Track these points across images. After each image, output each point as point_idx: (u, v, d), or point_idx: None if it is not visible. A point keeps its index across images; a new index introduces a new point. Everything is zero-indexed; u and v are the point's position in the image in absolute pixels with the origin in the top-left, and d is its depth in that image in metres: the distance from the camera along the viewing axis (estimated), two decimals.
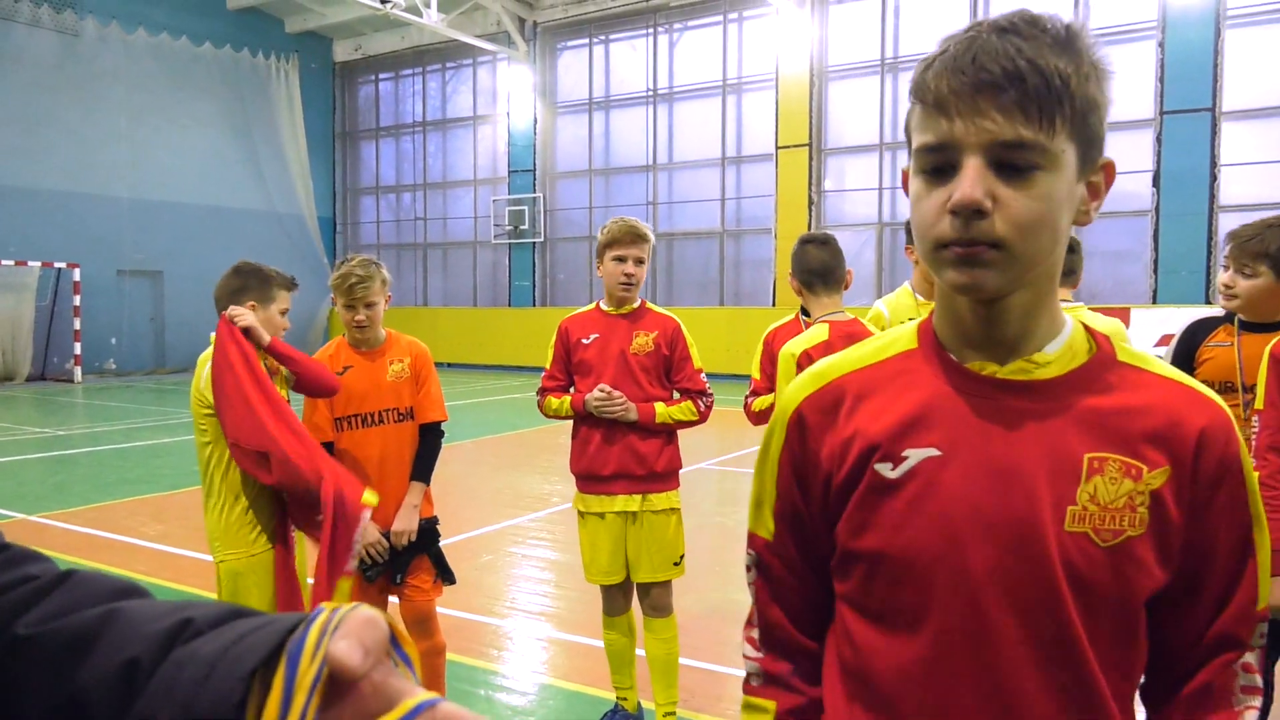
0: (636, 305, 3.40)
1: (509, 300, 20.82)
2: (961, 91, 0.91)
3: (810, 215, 16.91)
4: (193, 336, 18.91)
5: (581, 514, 3.43)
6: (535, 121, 20.08)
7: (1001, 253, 0.92)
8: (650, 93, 19.01)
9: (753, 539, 1.15)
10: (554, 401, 3.41)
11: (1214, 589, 0.98)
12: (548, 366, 3.46)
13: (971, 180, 0.90)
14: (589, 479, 3.36)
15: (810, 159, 16.90)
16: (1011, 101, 0.89)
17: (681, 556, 3.39)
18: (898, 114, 16.46)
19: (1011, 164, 0.91)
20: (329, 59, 23.21)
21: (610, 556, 3.34)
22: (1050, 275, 0.98)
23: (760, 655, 1.16)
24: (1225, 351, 2.83)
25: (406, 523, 3.18)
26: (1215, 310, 3.03)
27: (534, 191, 20.09)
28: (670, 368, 3.37)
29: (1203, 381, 2.82)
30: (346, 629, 0.51)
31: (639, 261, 3.29)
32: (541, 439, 10.85)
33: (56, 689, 0.56)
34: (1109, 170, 0.99)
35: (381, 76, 23.09)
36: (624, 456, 3.28)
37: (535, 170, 20.17)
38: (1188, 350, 2.94)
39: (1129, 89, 14.38)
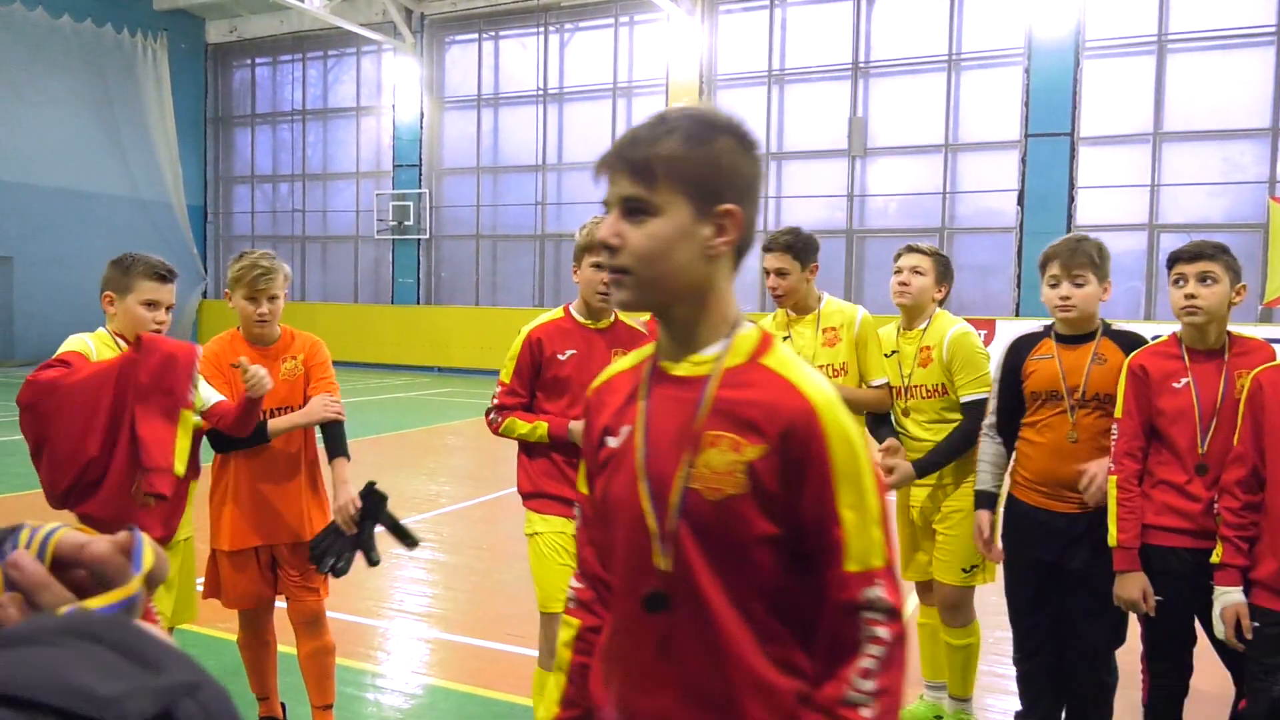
0: (613, 318, 3.14)
1: (391, 297, 20.34)
2: (602, 163, 1.31)
3: None
4: (45, 327, 17.71)
5: (534, 535, 3.19)
6: (422, 116, 19.70)
7: (629, 276, 1.27)
8: (540, 92, 18.93)
9: (580, 497, 1.49)
10: (520, 425, 3.04)
11: (824, 553, 1.25)
12: (506, 380, 3.10)
13: (607, 224, 1.29)
14: (547, 498, 3.11)
15: None
16: (620, 171, 1.27)
17: None
18: (784, 124, 16.89)
19: (630, 211, 1.26)
20: (201, 39, 22.16)
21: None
22: (701, 294, 1.30)
23: (578, 585, 1.49)
24: (1048, 364, 3.05)
25: (344, 497, 3.07)
26: (1036, 326, 3.27)
27: (420, 187, 19.69)
28: None
29: (1030, 391, 3.05)
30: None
31: None
32: (426, 439, 10.65)
33: None
34: (731, 214, 1.28)
35: (258, 61, 22.20)
36: None
37: (421, 165, 19.79)
38: (1014, 364, 3.13)
39: (998, 112, 15.19)
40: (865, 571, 1.23)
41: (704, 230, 1.27)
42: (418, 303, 19.94)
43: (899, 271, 3.53)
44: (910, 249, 3.57)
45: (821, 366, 3.44)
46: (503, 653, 4.31)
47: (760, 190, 1.34)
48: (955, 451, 3.38)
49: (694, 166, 1.25)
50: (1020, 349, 3.14)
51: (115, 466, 2.53)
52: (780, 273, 3.47)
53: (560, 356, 3.05)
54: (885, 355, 3.55)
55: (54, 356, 2.68)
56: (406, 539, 3.11)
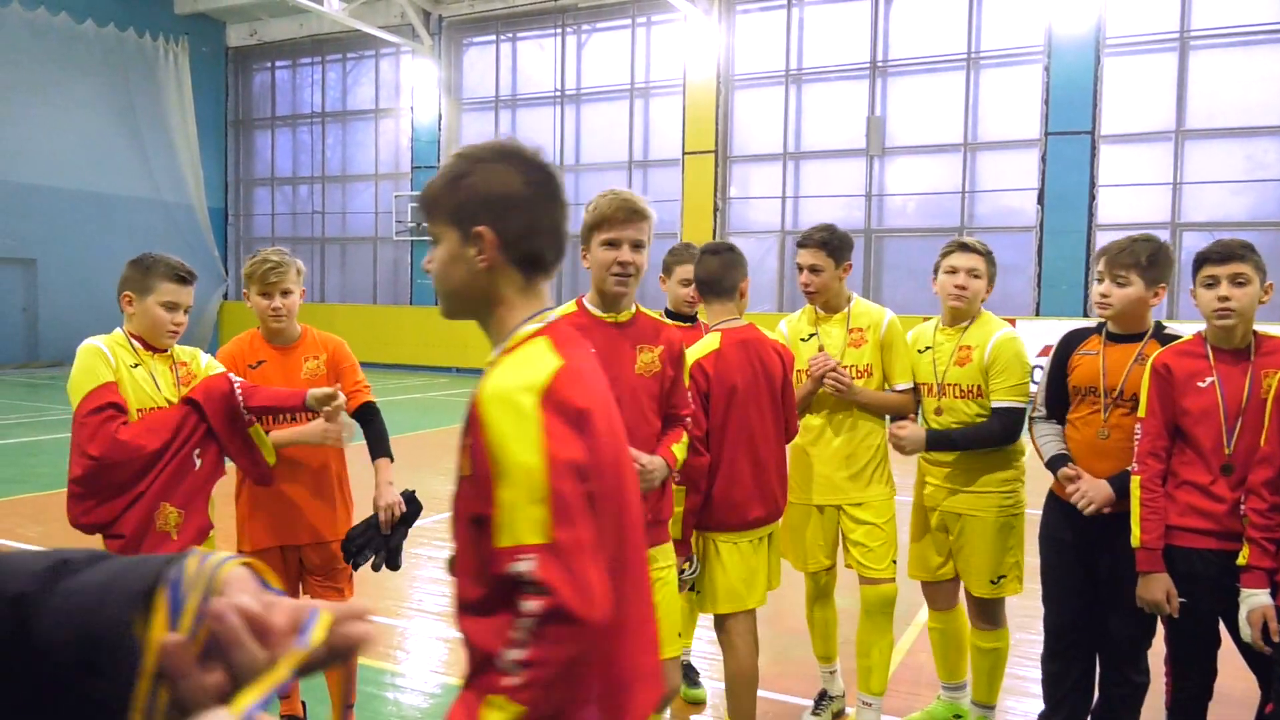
0: (633, 310, 2.77)
1: (410, 298, 20.43)
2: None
3: (715, 222, 17.14)
4: (69, 328, 17.84)
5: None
6: (440, 117, 19.78)
7: (439, 294, 1.60)
8: (558, 93, 18.96)
9: None
10: None
11: (489, 530, 1.37)
12: None
13: (428, 255, 1.59)
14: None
15: (716, 166, 17.14)
16: (420, 211, 1.70)
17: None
18: (802, 124, 16.84)
19: (431, 242, 1.57)
20: (221, 43, 22.34)
21: None
22: (488, 303, 1.55)
23: None
24: (1091, 360, 3.04)
25: (389, 498, 3.08)
26: (1090, 322, 3.25)
27: None
28: (671, 390, 2.78)
29: (1072, 386, 3.05)
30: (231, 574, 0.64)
31: (638, 246, 2.63)
32: (443, 440, 10.69)
33: None
34: (482, 235, 1.49)
35: (278, 64, 22.36)
36: None
37: (439, 167, 19.82)
38: (1062, 357, 3.14)
39: (1018, 111, 15.08)
40: (514, 547, 1.32)
41: (469, 251, 1.50)
42: (436, 304, 19.99)
43: (954, 272, 3.39)
44: (963, 247, 3.42)
45: (848, 367, 3.43)
46: None
47: (533, 205, 1.52)
48: (974, 441, 3.34)
49: (451, 199, 1.52)
50: (1070, 343, 3.15)
51: (147, 503, 2.70)
52: (813, 269, 3.45)
53: None
54: (919, 351, 3.51)
55: (93, 392, 2.67)
56: (397, 559, 3.18)
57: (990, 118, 15.46)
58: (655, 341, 2.73)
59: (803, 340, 3.54)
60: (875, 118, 16.02)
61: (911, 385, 3.47)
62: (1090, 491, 2.90)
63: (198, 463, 2.79)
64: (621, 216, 2.59)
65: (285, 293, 3.13)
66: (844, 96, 16.42)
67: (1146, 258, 2.95)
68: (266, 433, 2.97)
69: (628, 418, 2.59)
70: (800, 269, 3.50)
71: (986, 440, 3.32)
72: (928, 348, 3.50)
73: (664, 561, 2.80)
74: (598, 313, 2.71)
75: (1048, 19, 14.55)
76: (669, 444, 2.76)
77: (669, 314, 3.80)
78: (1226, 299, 2.71)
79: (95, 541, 2.72)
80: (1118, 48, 14.43)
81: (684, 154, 17.37)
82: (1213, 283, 2.74)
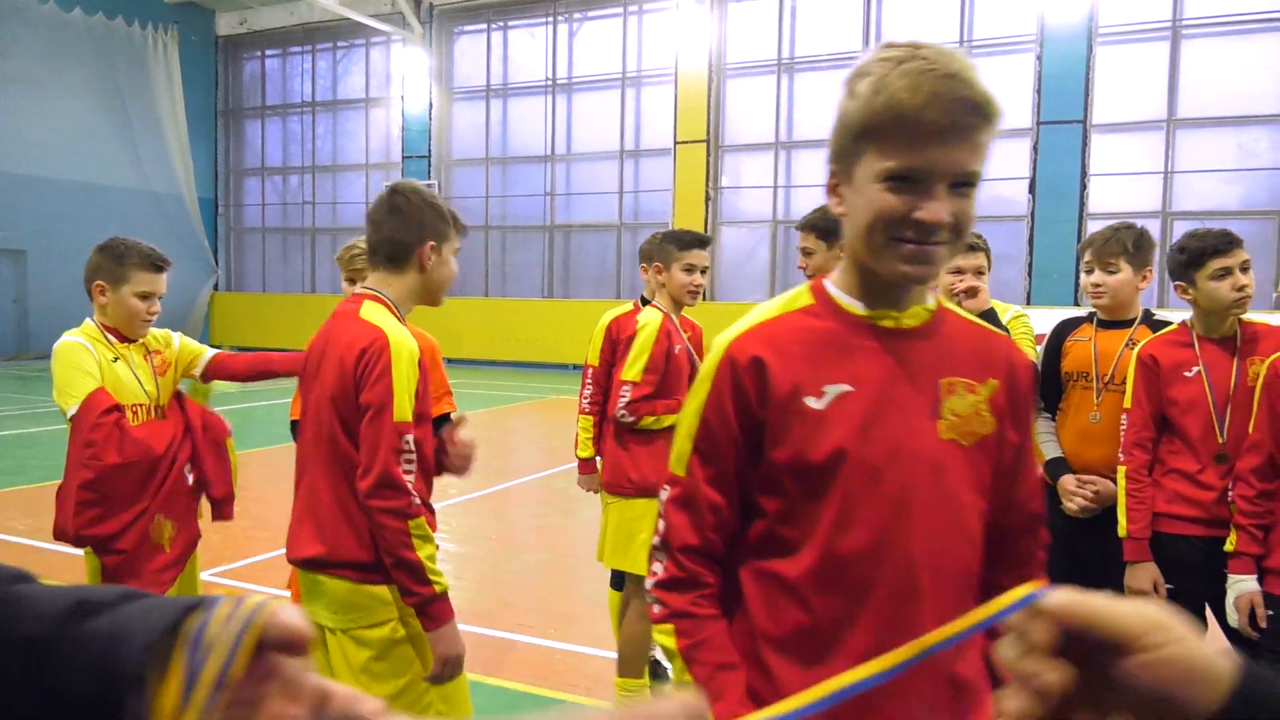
0: (930, 303, 2.94)
1: None
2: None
3: (707, 211, 17.12)
4: (60, 320, 17.72)
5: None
6: (431, 107, 19.69)
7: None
8: (549, 82, 18.89)
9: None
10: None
11: None
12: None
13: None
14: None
15: (708, 155, 17.11)
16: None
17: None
18: (793, 113, 16.81)
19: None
20: (211, 32, 22.20)
21: None
22: None
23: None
24: (1083, 345, 3.10)
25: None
26: (1082, 311, 3.31)
27: (429, 178, 19.70)
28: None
29: (1064, 371, 3.09)
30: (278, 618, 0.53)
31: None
32: None
33: None
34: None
35: (268, 53, 22.23)
36: None
37: (430, 156, 19.79)
38: (1056, 344, 3.20)
39: (1010, 100, 15.03)
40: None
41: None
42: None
43: (960, 272, 3.28)
44: (968, 246, 3.40)
45: None
46: (512, 642, 4.32)
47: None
48: None
49: None
50: (1062, 331, 3.21)
51: (148, 517, 2.72)
52: (805, 251, 3.47)
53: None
54: None
55: (97, 394, 2.64)
56: None
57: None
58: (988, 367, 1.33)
59: None
60: None
61: None
62: (1098, 497, 2.93)
63: (189, 477, 2.82)
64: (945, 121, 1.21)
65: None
66: (836, 85, 16.14)
67: (1132, 243, 3.01)
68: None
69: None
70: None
71: None
72: None
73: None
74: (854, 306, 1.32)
75: (1040, 8, 14.53)
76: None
77: (644, 301, 3.79)
78: (1245, 287, 2.75)
79: (76, 556, 2.72)
80: (1110, 37, 14.43)
81: (675, 143, 17.33)
82: (1225, 273, 2.75)
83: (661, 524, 1.34)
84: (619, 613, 3.79)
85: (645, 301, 3.79)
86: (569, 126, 18.88)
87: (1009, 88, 15.07)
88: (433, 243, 2.26)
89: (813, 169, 16.67)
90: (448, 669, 2.15)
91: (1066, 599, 0.62)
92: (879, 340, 1.26)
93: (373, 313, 2.20)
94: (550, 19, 18.81)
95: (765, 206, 17.04)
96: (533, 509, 7.33)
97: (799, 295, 1.35)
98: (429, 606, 2.11)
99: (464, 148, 19.94)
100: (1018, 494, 1.35)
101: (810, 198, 16.40)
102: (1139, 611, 0.61)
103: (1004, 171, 15.16)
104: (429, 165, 19.76)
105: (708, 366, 1.33)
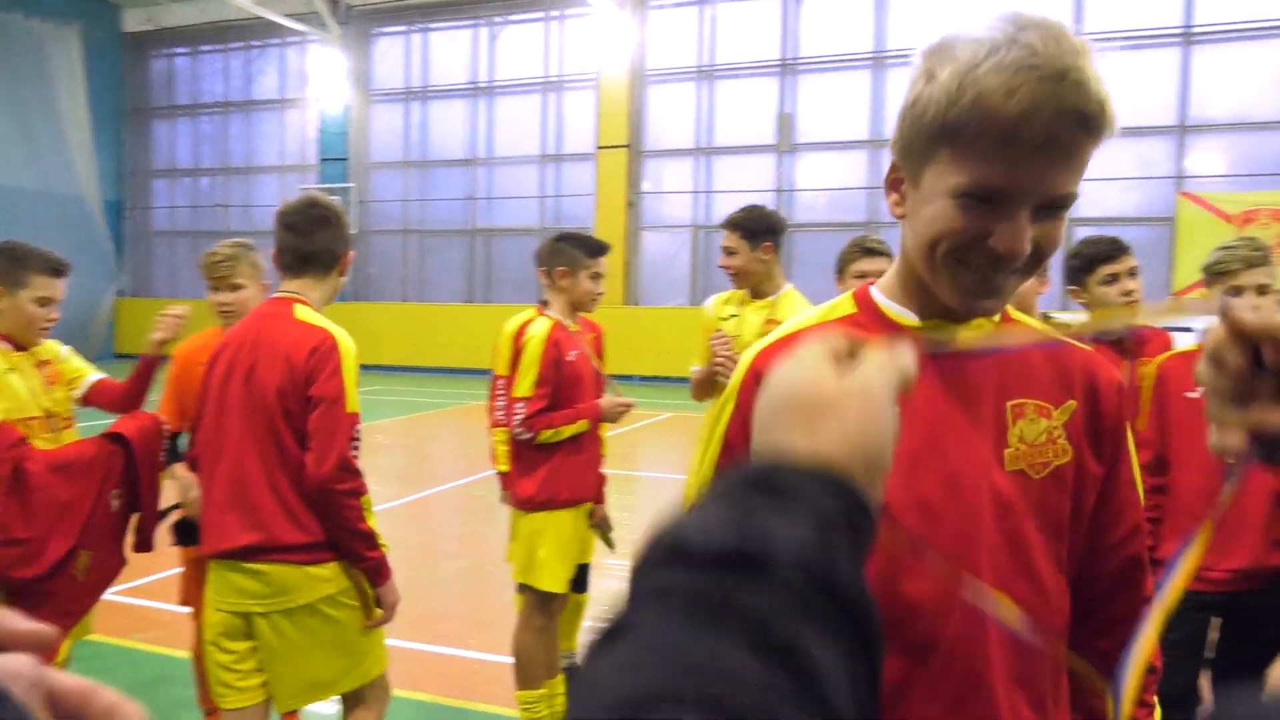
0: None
1: None
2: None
3: (628, 216, 17.20)
4: None
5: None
6: (348, 109, 19.34)
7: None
8: (471, 85, 18.73)
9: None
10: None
11: None
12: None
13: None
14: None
15: (629, 160, 17.19)
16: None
17: None
18: (714, 120, 17.00)
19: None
20: (116, 28, 21.40)
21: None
22: None
23: None
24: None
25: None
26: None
27: (346, 181, 19.34)
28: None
29: None
30: None
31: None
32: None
33: None
34: None
35: (178, 51, 21.53)
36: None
37: (348, 159, 19.43)
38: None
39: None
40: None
41: None
42: (344, 299, 19.57)
43: (864, 276, 3.38)
44: (869, 251, 3.40)
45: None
46: (434, 654, 4.27)
47: None
48: None
49: None
50: None
51: (70, 561, 2.56)
52: (727, 250, 3.48)
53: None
54: None
55: (4, 425, 2.51)
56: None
57: (897, 116, 15.83)
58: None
59: (722, 320, 3.55)
60: (785, 114, 16.29)
61: None
62: None
63: (114, 504, 2.66)
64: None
65: (234, 287, 3.08)
66: (755, 93, 16.65)
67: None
68: (176, 440, 2.95)
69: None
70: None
71: None
72: None
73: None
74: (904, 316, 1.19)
75: (951, 19, 14.97)
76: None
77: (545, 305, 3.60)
78: (1131, 291, 2.89)
79: None
80: None
81: (597, 148, 17.37)
82: (1113, 279, 2.90)
83: None
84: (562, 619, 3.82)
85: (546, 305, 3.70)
86: (490, 130, 18.76)
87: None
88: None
89: (733, 175, 16.88)
90: (390, 613, 2.57)
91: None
92: (933, 356, 1.04)
93: (310, 315, 2.44)
94: (472, 22, 18.66)
95: (686, 211, 17.19)
96: (453, 516, 7.25)
97: (840, 304, 1.18)
98: (381, 566, 2.46)
99: (382, 151, 19.62)
100: (1107, 537, 1.13)
101: (731, 203, 16.55)
102: None
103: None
104: (346, 168, 19.40)
105: (733, 383, 1.13)
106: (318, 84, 19.60)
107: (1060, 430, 1.08)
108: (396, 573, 2.60)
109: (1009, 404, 1.07)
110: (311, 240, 2.50)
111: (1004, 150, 0.92)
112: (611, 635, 0.45)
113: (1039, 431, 1.07)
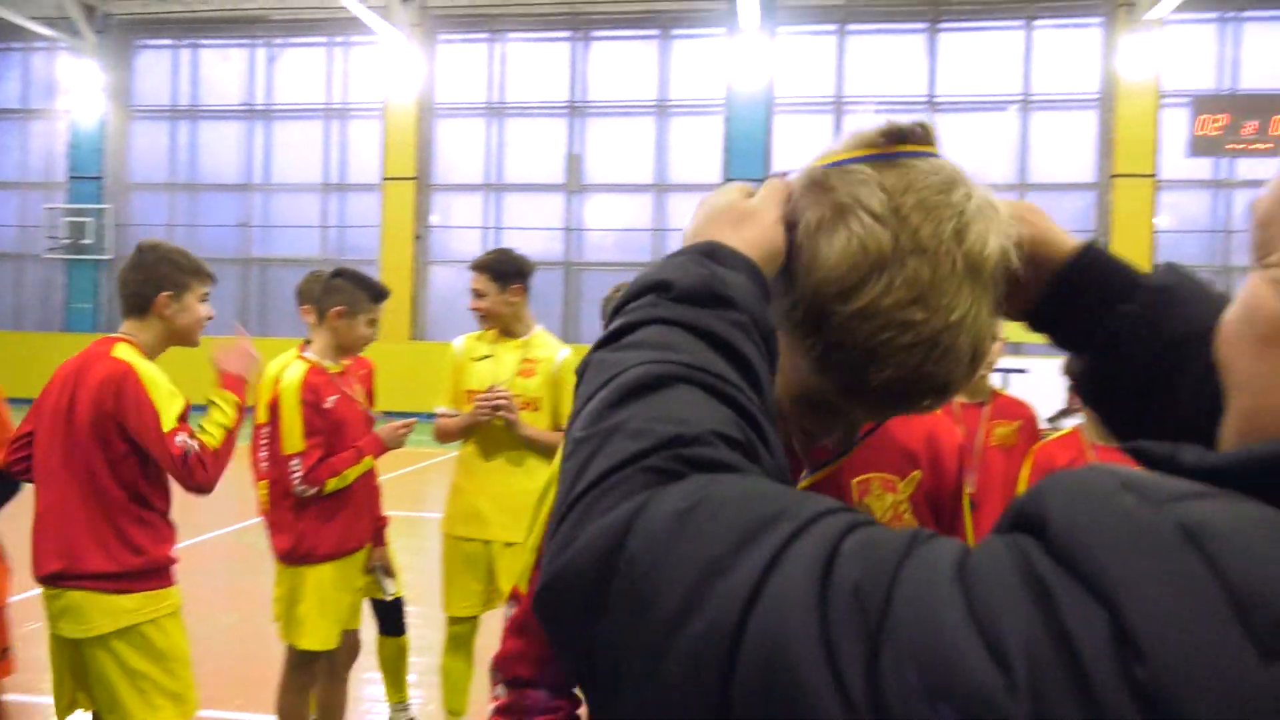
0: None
1: (65, 324, 18.09)
2: None
3: (416, 249, 16.87)
4: None
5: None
6: (104, 124, 17.82)
7: None
8: (247, 107, 17.79)
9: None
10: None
11: None
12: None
13: None
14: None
15: (417, 193, 16.89)
16: None
17: None
18: (504, 157, 17.06)
19: None
20: None
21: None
22: None
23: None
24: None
25: None
26: None
27: (100, 202, 17.76)
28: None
29: None
30: None
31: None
32: None
33: None
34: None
35: None
36: None
37: (103, 178, 17.86)
38: None
39: (703, 157, 16.28)
40: None
41: None
42: (95, 330, 17.90)
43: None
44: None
45: (515, 396, 3.42)
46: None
47: None
48: None
49: None
50: None
51: None
52: (476, 293, 3.49)
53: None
54: None
55: None
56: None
57: (679, 162, 16.57)
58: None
59: (475, 360, 3.52)
60: (574, 155, 16.62)
61: None
62: None
63: None
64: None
65: None
66: (545, 132, 16.89)
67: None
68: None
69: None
70: None
71: None
72: None
73: None
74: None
75: (728, 76, 15.87)
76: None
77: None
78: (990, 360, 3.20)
79: None
80: (786, 107, 16.04)
81: (384, 179, 16.96)
82: None
83: (501, 645, 1.14)
84: (383, 664, 3.72)
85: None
86: (268, 155, 17.88)
87: (702, 146, 16.29)
88: (169, 292, 2.70)
89: (523, 212, 16.99)
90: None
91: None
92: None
93: (123, 352, 2.63)
94: (247, 41, 17.77)
95: (476, 246, 17.04)
96: (220, 566, 6.79)
97: None
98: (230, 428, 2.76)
99: (145, 171, 18.22)
100: None
101: (520, 240, 16.69)
102: None
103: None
104: (100, 188, 17.83)
105: (557, 461, 1.09)
106: (69, 95, 17.94)
107: (906, 504, 1.04)
108: None
109: (854, 481, 1.03)
110: (125, 284, 2.71)
111: None
112: (616, 339, 0.65)
113: (885, 507, 1.03)
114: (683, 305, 0.65)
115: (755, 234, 0.77)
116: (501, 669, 1.11)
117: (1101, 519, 0.41)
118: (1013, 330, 1.27)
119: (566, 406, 3.46)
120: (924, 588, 0.42)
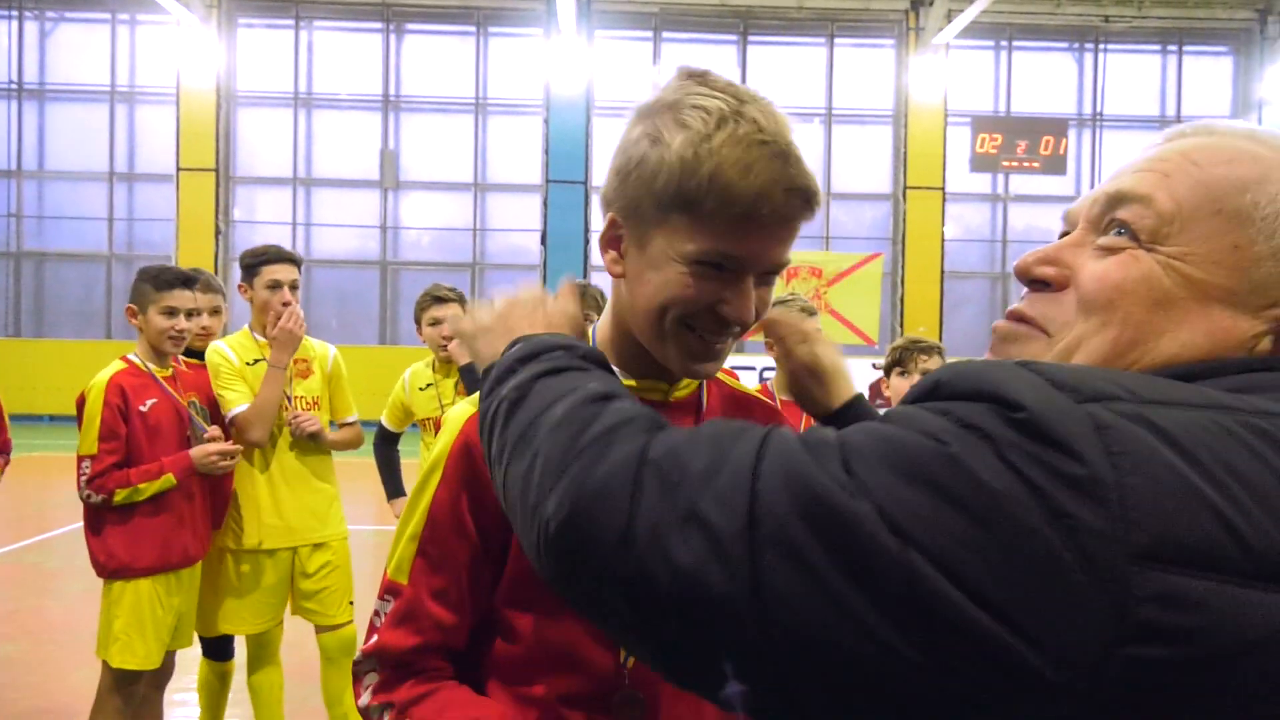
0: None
1: None
2: None
3: (217, 244, 15.85)
4: None
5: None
6: None
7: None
8: (13, 85, 16.12)
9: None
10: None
11: None
12: None
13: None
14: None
15: (217, 185, 15.88)
16: None
17: None
18: (313, 150, 16.33)
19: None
20: None
21: None
22: None
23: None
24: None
25: None
26: None
27: None
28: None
29: None
30: None
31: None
32: None
33: None
34: None
35: None
36: None
37: None
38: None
39: (523, 158, 16.22)
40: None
41: None
42: None
43: (437, 324, 3.85)
44: (439, 300, 3.89)
45: (298, 397, 3.43)
46: None
47: None
48: None
49: None
50: None
51: None
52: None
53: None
54: (420, 389, 3.88)
55: None
56: None
57: (498, 162, 16.43)
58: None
59: (249, 365, 3.39)
60: (389, 151, 16.13)
61: (355, 419, 3.61)
62: None
63: None
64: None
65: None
66: (357, 127, 16.30)
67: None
68: None
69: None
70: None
71: None
72: (429, 384, 3.88)
73: None
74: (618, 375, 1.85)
75: (546, 78, 15.89)
76: None
77: (191, 353, 3.48)
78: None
79: None
80: (606, 110, 16.23)
81: (179, 170, 15.84)
82: None
83: (373, 639, 1.07)
84: (201, 687, 3.49)
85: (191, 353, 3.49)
86: (41, 139, 16.29)
87: (521, 147, 16.23)
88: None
89: (334, 209, 16.33)
90: None
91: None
92: None
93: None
94: (12, 13, 16.10)
95: (285, 243, 16.18)
96: (0, 590, 6.14)
97: None
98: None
99: None
100: None
101: (333, 237, 16.07)
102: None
103: (519, 224, 16.26)
104: None
105: (439, 450, 1.07)
106: None
107: None
108: None
109: None
110: None
111: (742, 224, 0.94)
112: (512, 396, 0.82)
113: None
114: (551, 356, 0.88)
115: (543, 317, 1.00)
116: (380, 659, 1.06)
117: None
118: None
119: (341, 400, 3.59)
120: (868, 428, 0.62)
